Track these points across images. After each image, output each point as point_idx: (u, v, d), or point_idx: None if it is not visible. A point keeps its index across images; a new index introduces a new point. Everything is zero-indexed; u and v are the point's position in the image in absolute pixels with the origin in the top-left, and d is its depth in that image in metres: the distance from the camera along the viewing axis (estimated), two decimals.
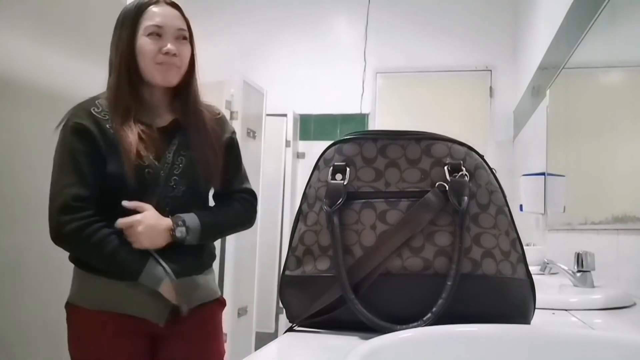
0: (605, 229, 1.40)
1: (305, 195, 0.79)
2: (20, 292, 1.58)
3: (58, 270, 1.64)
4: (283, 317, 3.55)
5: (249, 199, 1.36)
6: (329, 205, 0.73)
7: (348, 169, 0.74)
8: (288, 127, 3.85)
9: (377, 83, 3.99)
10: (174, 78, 1.22)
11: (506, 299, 0.70)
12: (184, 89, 1.27)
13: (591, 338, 0.53)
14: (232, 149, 1.35)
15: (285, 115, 3.85)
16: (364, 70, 3.98)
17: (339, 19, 4.12)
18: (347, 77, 3.98)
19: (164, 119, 1.26)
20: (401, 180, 0.73)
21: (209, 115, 1.31)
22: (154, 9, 1.21)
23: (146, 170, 1.17)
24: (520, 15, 3.60)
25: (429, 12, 3.91)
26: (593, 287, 1.14)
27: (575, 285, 1.16)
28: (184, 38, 1.23)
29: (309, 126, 4.00)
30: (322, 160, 0.78)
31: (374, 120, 3.94)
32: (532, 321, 0.73)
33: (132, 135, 1.16)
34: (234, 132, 1.37)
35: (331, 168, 0.75)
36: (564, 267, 1.23)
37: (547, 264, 1.48)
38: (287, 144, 3.83)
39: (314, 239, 0.75)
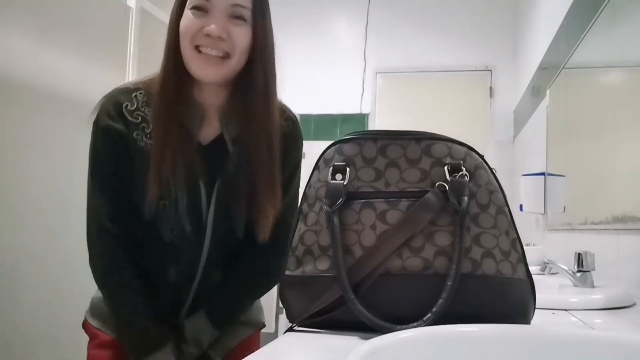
0: (605, 229, 1.40)
1: (305, 195, 0.79)
2: (20, 292, 1.58)
3: (58, 270, 1.64)
4: (283, 317, 3.55)
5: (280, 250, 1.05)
6: (329, 205, 0.72)
7: (348, 169, 0.74)
8: None
9: (377, 83, 4.00)
10: (215, 72, 0.91)
11: (506, 299, 0.70)
12: (240, 88, 0.95)
13: (591, 338, 0.53)
14: (292, 179, 1.05)
15: None
16: (364, 70, 3.98)
17: (339, 19, 4.12)
18: (347, 77, 3.99)
19: (214, 130, 0.97)
20: (401, 180, 0.73)
21: (279, 126, 0.98)
22: None
23: (161, 202, 0.93)
24: (520, 15, 3.60)
25: (429, 12, 3.91)
26: (593, 287, 1.14)
27: (575, 285, 1.16)
28: (240, 17, 0.91)
29: (309, 126, 4.00)
30: (322, 160, 0.78)
31: (374, 120, 3.95)
32: (532, 321, 0.73)
33: (168, 152, 0.90)
34: (300, 156, 1.08)
35: (331, 168, 0.75)
36: (564, 267, 1.22)
37: (547, 264, 1.47)
38: None
39: (314, 239, 0.75)
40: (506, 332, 0.56)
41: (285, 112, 1.04)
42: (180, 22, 0.92)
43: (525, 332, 0.57)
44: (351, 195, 0.73)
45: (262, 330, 1.16)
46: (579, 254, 1.17)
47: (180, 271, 0.98)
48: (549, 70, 2.40)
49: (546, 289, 1.09)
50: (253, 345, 1.11)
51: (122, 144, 0.94)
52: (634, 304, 1.04)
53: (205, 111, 0.97)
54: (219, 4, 0.90)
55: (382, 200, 0.72)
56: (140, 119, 0.94)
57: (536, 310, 0.73)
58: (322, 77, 3.99)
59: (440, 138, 0.74)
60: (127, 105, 0.94)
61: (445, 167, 0.72)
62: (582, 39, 1.73)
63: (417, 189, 0.72)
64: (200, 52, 0.90)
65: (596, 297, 1.01)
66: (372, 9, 3.99)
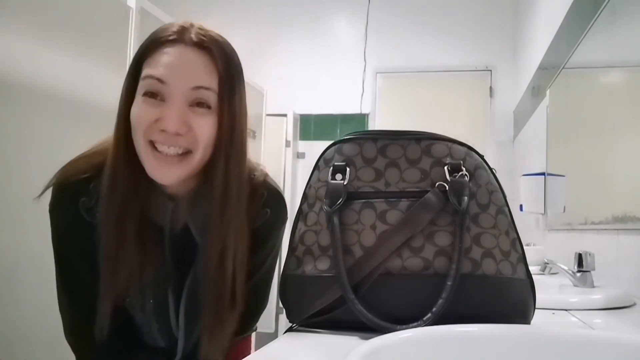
0: (605, 229, 1.40)
1: (305, 195, 0.79)
2: (20, 292, 1.58)
3: None
4: (283, 317, 3.56)
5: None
6: (329, 205, 0.72)
7: (348, 169, 0.74)
8: (288, 127, 3.85)
9: (377, 83, 3.99)
10: (172, 173, 0.77)
11: (506, 299, 0.70)
12: (205, 179, 0.81)
13: (591, 338, 0.53)
14: (262, 266, 0.93)
15: (285, 115, 3.85)
16: (364, 70, 3.98)
17: (339, 19, 4.12)
18: (347, 77, 3.99)
19: (184, 217, 0.86)
20: (401, 180, 0.73)
21: (246, 221, 0.84)
22: (165, 49, 0.76)
23: (127, 299, 0.85)
24: (520, 15, 3.60)
25: (429, 12, 3.91)
26: (593, 287, 1.14)
27: (575, 285, 1.16)
28: (202, 104, 0.76)
29: (309, 126, 4.00)
30: (322, 160, 0.78)
31: (374, 120, 3.95)
32: (532, 321, 0.73)
33: (127, 252, 0.79)
34: (280, 237, 0.94)
35: (331, 168, 0.75)
36: (564, 267, 1.22)
37: (547, 264, 1.47)
38: (287, 144, 3.83)
39: (314, 239, 0.75)
40: (506, 332, 0.56)
41: (264, 195, 0.89)
42: (132, 109, 0.76)
43: (525, 332, 0.57)
44: (351, 195, 0.73)
45: (263, 330, 1.14)
46: (579, 254, 1.17)
47: (159, 343, 0.92)
48: (549, 70, 2.40)
49: (546, 289, 1.09)
50: (245, 347, 1.09)
51: (83, 243, 0.83)
52: (634, 304, 1.04)
53: (175, 201, 0.84)
54: (177, 89, 0.74)
55: (382, 200, 0.72)
56: (98, 215, 0.82)
57: (536, 310, 0.73)
58: (322, 77, 3.99)
59: (440, 138, 0.74)
60: (84, 202, 0.82)
61: (445, 167, 0.72)
62: (582, 39, 1.73)
63: (417, 189, 0.72)
64: (155, 148, 0.76)
65: (596, 297, 1.01)
66: (372, 9, 3.99)
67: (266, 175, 0.93)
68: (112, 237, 0.79)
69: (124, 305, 0.86)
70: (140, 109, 0.76)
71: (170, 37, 0.76)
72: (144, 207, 0.82)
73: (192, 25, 0.79)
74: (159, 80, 0.74)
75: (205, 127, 0.76)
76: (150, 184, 0.81)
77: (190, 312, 0.87)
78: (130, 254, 0.80)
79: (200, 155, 0.78)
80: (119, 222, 0.79)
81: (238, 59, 0.82)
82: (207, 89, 0.76)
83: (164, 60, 0.75)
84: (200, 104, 0.76)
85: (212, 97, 0.77)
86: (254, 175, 0.90)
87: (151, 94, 0.75)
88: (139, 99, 0.76)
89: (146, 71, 0.76)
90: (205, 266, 0.82)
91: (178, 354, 0.90)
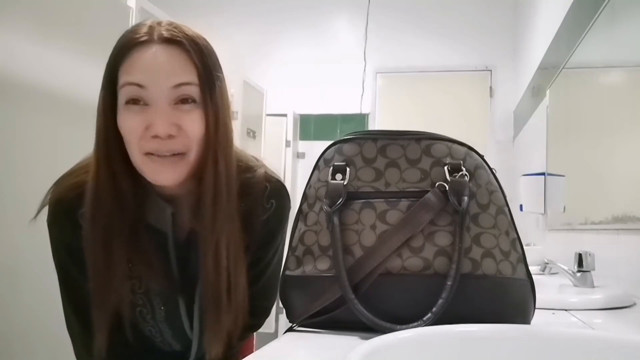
0: (605, 229, 1.40)
1: (305, 195, 0.79)
2: (20, 293, 1.58)
3: None
4: (283, 317, 3.55)
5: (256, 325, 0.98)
6: (329, 205, 0.72)
7: (348, 169, 0.74)
8: (288, 127, 3.85)
9: (377, 83, 4.00)
10: (174, 175, 0.76)
11: (506, 299, 0.70)
12: (202, 177, 0.79)
13: (591, 338, 0.53)
14: (268, 267, 0.94)
15: (285, 115, 3.85)
16: (364, 70, 3.98)
17: (339, 19, 4.12)
18: (347, 77, 3.99)
19: (187, 222, 0.84)
20: (401, 180, 0.73)
21: (237, 216, 0.82)
22: (137, 53, 0.74)
23: (138, 309, 0.84)
24: (520, 15, 3.60)
25: (429, 12, 3.91)
26: (593, 287, 1.14)
27: (575, 285, 1.16)
28: (187, 100, 0.75)
29: (309, 126, 4.00)
30: (322, 160, 0.78)
31: (374, 120, 3.95)
32: (532, 321, 0.73)
33: (116, 270, 0.78)
34: (284, 234, 0.92)
35: (331, 168, 0.75)
36: (564, 267, 1.22)
37: (547, 264, 1.47)
38: (287, 144, 3.83)
39: (314, 239, 0.75)
40: (506, 332, 0.56)
41: (267, 188, 0.89)
42: (118, 121, 0.74)
43: (525, 332, 0.57)
44: (351, 195, 0.73)
45: (262, 330, 1.15)
46: (579, 254, 1.17)
47: (175, 347, 0.91)
48: (549, 70, 2.40)
49: (546, 289, 1.09)
50: (247, 349, 1.09)
51: (83, 257, 0.81)
52: (634, 304, 1.04)
53: (174, 204, 0.82)
54: (159, 90, 0.72)
55: (382, 200, 0.72)
56: None
57: (536, 310, 0.73)
58: (322, 77, 4.00)
59: (440, 138, 0.74)
60: (82, 214, 0.80)
61: (445, 167, 0.72)
62: (582, 39, 1.73)
63: (417, 189, 0.72)
64: (148, 157, 0.75)
65: (596, 297, 1.01)
66: (372, 9, 3.99)
67: (265, 167, 0.92)
68: (99, 258, 0.78)
69: (133, 315, 0.85)
70: (127, 120, 0.74)
71: (141, 39, 0.74)
72: (143, 216, 0.81)
73: (160, 23, 0.77)
74: (139, 85, 0.73)
75: (195, 124, 0.75)
76: (144, 189, 0.80)
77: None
78: (120, 271, 0.78)
79: (195, 152, 0.77)
80: (105, 241, 0.77)
81: (213, 49, 0.80)
82: (188, 84, 0.74)
83: (139, 64, 0.73)
84: (184, 100, 0.75)
85: (195, 91, 0.75)
86: (252, 168, 0.89)
87: (133, 101, 0.74)
88: (122, 109, 0.74)
89: (123, 79, 0.74)
90: (204, 266, 0.80)
91: (191, 355, 0.90)
